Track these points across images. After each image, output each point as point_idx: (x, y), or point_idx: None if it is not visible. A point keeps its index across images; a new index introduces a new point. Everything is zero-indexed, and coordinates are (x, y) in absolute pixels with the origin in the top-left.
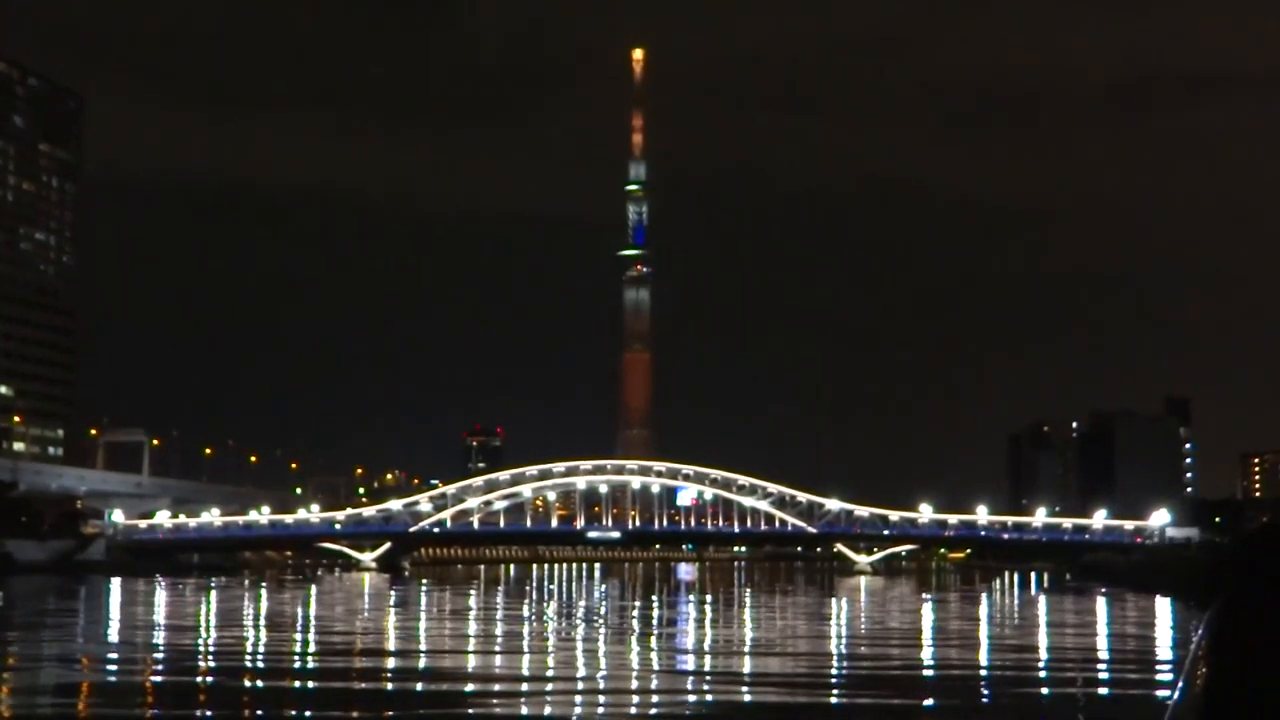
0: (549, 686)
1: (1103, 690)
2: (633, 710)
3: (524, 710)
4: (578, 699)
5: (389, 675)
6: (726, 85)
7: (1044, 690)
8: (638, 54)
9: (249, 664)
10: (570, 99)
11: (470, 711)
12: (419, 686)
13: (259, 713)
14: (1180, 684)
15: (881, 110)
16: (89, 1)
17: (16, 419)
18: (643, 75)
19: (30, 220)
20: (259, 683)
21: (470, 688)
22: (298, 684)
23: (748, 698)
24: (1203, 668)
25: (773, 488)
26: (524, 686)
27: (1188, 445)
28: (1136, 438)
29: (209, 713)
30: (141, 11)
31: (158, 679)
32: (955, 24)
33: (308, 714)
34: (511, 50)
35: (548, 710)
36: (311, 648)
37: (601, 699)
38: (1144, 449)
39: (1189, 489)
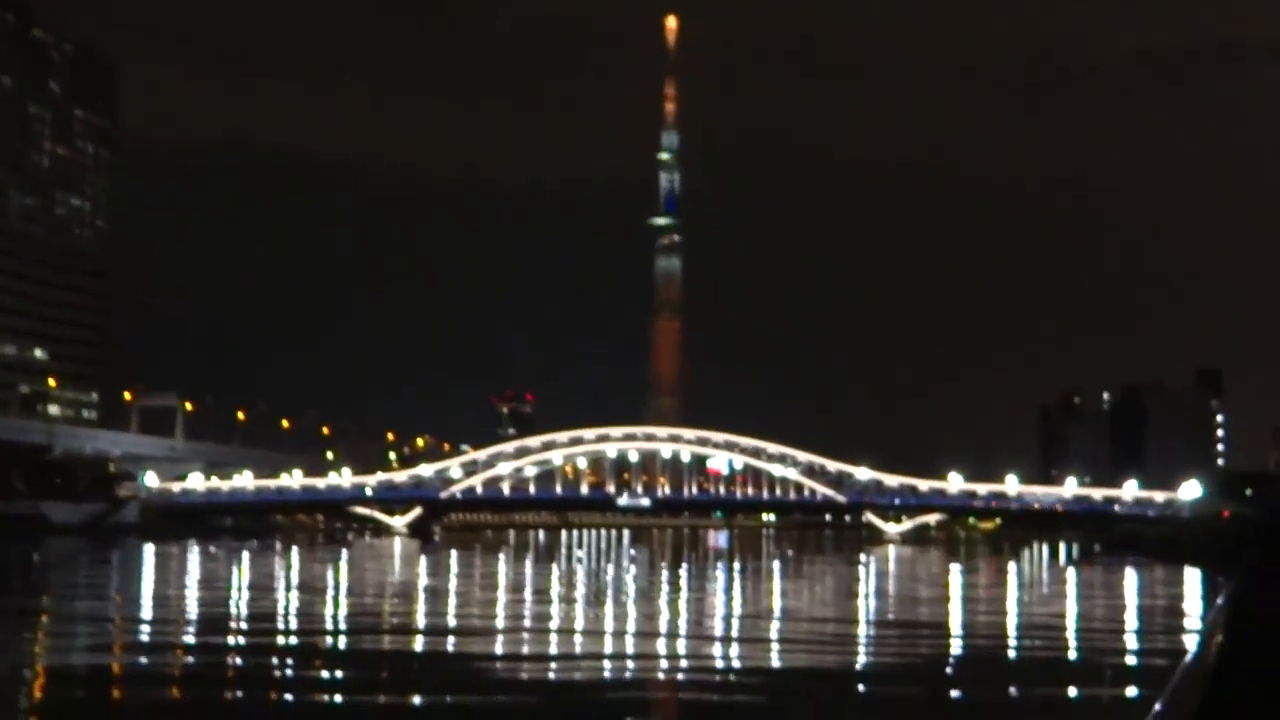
0: (581, 649)
1: (1130, 659)
2: (660, 674)
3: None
4: (608, 661)
5: (419, 642)
6: (763, 53)
7: (1071, 655)
8: (671, 21)
9: (282, 629)
10: (602, 65)
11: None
12: (450, 647)
13: (290, 679)
14: (1197, 647)
15: (916, 80)
16: None
17: (51, 382)
18: (676, 43)
19: (65, 185)
20: (288, 655)
21: (500, 651)
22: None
23: (775, 661)
24: (1220, 633)
25: (802, 456)
26: (553, 650)
27: (1219, 417)
28: (1168, 409)
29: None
30: None
31: (190, 639)
32: None
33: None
34: (542, 17)
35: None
36: (345, 613)
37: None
38: (1175, 421)
39: (1220, 461)
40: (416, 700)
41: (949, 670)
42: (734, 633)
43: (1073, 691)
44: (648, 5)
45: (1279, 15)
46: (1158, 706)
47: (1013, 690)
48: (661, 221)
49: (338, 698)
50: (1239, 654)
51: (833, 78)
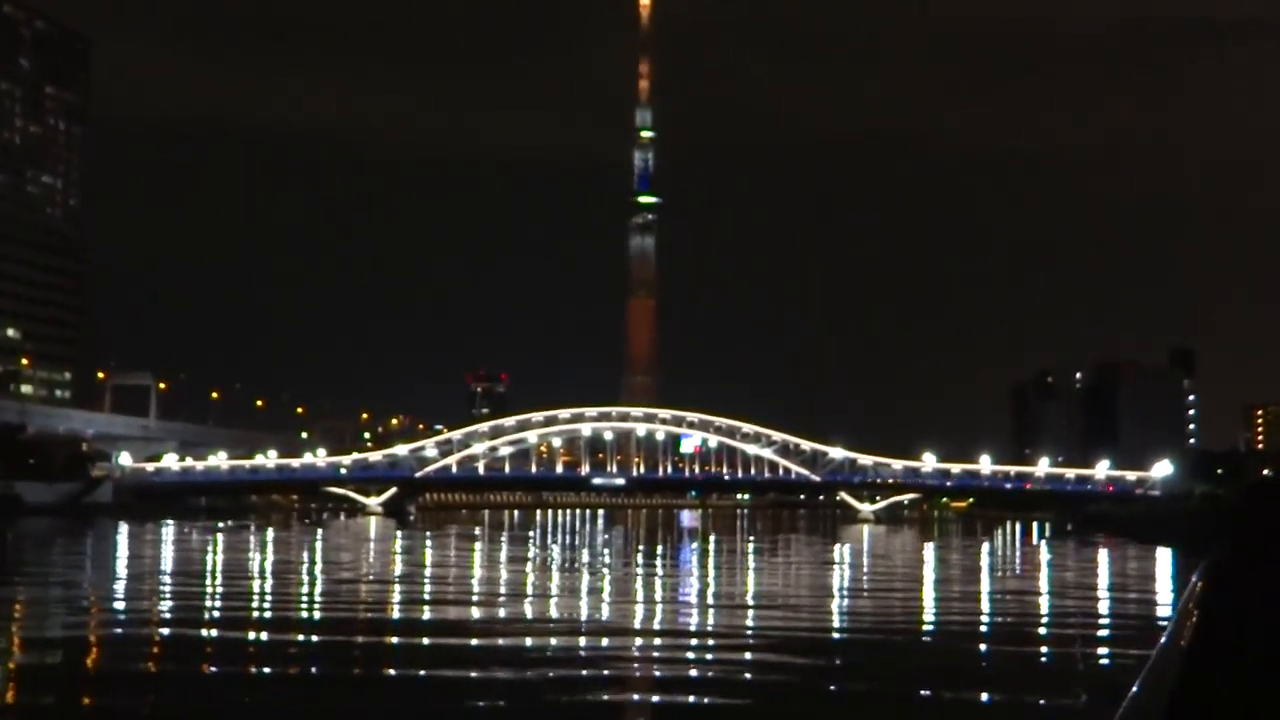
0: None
1: (1102, 640)
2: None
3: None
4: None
5: (396, 622)
6: (734, 31)
7: (1042, 640)
8: None
9: (258, 610)
10: (577, 44)
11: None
12: (425, 640)
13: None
14: (1170, 628)
15: (894, 55)
16: None
17: (24, 362)
18: (650, 21)
19: (37, 163)
20: (263, 634)
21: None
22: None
23: (748, 656)
24: (1194, 614)
25: (777, 435)
26: (526, 639)
27: (1191, 397)
28: (1140, 388)
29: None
30: None
31: (165, 628)
32: None
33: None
34: None
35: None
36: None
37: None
38: (1148, 400)
39: (1192, 440)
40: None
41: (919, 670)
42: (705, 621)
43: (1041, 701)
44: None
45: None
46: (1135, 689)
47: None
48: (636, 199)
49: (306, 692)
50: (1214, 635)
51: (809, 54)
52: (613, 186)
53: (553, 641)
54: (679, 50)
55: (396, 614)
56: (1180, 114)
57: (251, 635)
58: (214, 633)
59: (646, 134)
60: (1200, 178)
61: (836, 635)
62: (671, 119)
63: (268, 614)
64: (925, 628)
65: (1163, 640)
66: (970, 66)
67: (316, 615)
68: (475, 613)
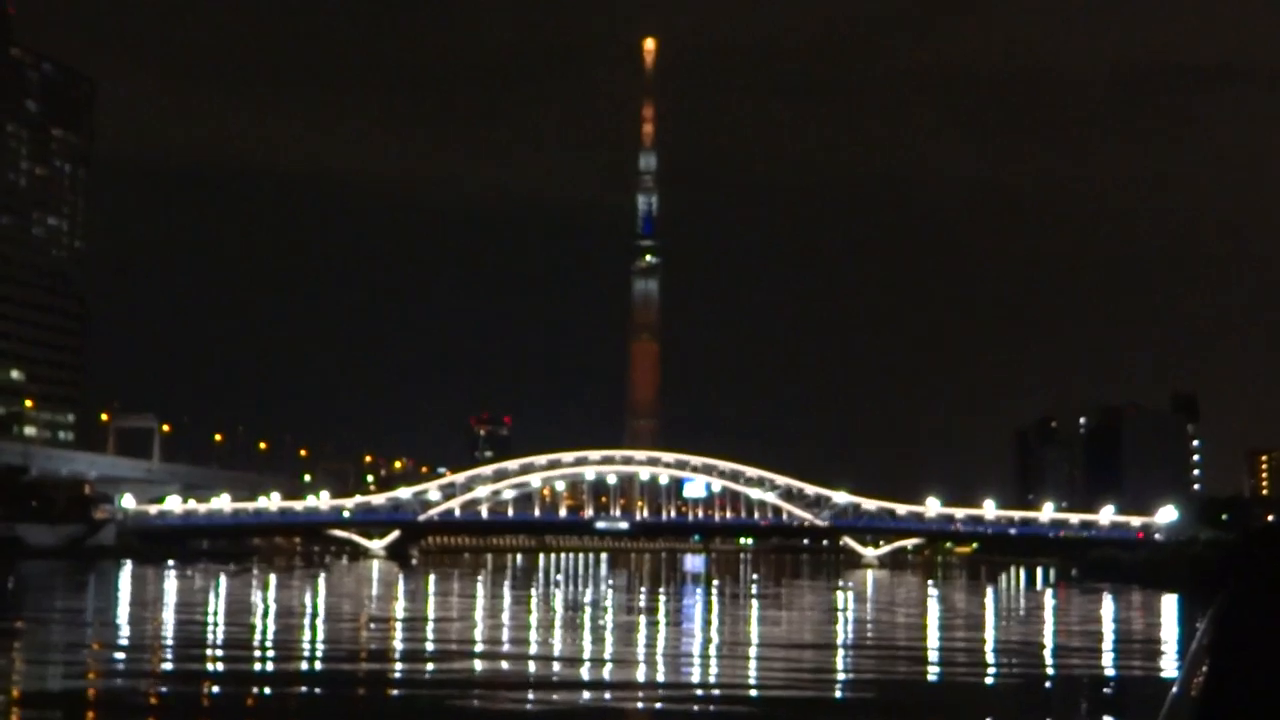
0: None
1: (1107, 687)
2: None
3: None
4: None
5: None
6: (736, 74)
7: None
8: (649, 44)
9: (261, 661)
10: (581, 87)
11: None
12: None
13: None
14: (1180, 679)
15: (887, 98)
16: None
17: (28, 403)
18: (654, 65)
19: (42, 205)
20: (266, 689)
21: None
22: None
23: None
24: (1203, 663)
25: (780, 480)
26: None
27: (1195, 442)
28: (1144, 434)
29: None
30: None
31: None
32: (970, 8)
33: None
34: (519, 39)
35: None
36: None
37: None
38: (1151, 445)
39: (1196, 486)
40: None
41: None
42: (708, 673)
43: None
44: (626, 28)
45: (1262, 39)
46: None
47: None
48: (639, 243)
49: None
50: (1222, 685)
51: (812, 98)
52: (616, 230)
53: (555, 696)
54: (682, 93)
55: (400, 665)
56: (1182, 159)
57: (255, 689)
58: (216, 688)
59: (648, 177)
60: (1202, 221)
61: (839, 690)
62: (674, 162)
63: (270, 666)
64: (929, 678)
65: (1174, 690)
66: (975, 112)
67: (319, 666)
68: (479, 665)
